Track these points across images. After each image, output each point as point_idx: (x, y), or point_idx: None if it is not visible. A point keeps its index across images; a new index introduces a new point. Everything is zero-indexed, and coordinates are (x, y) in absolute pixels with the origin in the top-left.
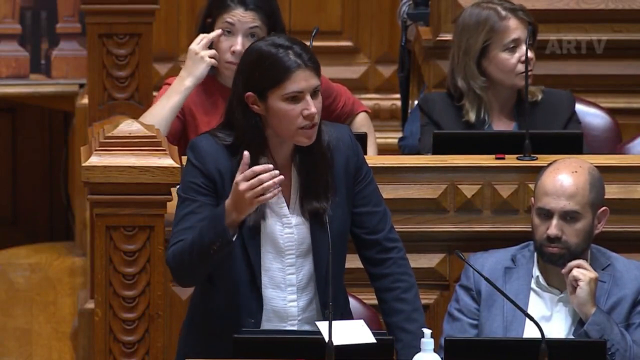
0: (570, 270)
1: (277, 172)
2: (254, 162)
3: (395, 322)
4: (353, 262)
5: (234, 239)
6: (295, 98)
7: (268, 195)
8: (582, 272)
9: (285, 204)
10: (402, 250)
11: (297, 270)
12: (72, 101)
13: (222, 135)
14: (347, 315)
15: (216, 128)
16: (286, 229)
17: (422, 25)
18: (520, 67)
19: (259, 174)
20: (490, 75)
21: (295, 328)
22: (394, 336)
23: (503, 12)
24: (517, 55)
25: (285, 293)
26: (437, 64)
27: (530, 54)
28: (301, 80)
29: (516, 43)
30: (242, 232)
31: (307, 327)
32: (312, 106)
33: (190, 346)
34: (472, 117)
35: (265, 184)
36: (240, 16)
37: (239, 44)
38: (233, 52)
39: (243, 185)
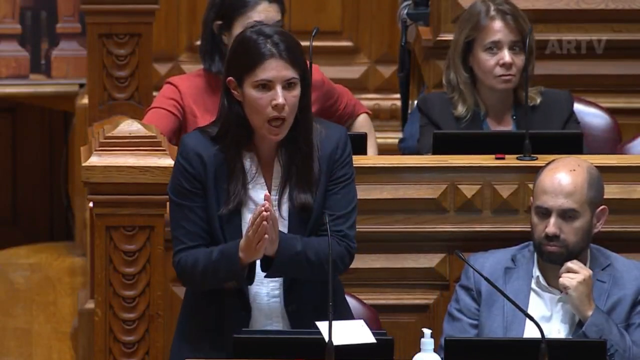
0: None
1: (264, 208)
2: (238, 155)
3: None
4: (353, 262)
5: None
6: (265, 86)
7: (265, 239)
8: (570, 277)
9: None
10: (337, 238)
11: None
12: (72, 101)
13: (211, 128)
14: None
15: (209, 123)
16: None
17: (422, 25)
18: (499, 70)
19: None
20: (474, 73)
21: (280, 327)
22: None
23: (492, 12)
24: (496, 57)
25: (267, 288)
26: (437, 64)
27: (509, 59)
28: (272, 69)
29: (496, 45)
30: (222, 225)
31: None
32: (280, 97)
33: (184, 348)
34: (460, 110)
35: (257, 216)
36: (267, 11)
37: None
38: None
39: (250, 232)
